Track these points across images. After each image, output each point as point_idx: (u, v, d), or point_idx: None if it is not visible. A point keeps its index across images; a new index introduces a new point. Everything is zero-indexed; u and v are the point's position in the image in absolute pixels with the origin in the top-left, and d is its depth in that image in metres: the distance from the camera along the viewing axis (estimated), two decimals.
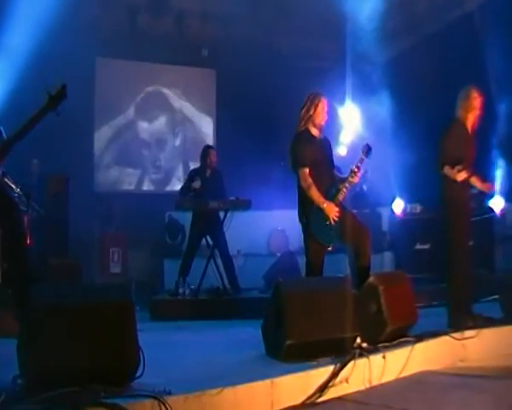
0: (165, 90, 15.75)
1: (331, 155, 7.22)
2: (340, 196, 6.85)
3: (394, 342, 6.06)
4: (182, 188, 10.95)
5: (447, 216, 7.20)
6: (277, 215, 12.98)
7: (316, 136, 7.02)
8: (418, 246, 11.21)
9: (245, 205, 10.06)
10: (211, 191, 10.41)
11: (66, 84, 5.14)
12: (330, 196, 6.83)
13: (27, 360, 4.28)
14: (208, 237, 10.50)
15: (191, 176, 10.84)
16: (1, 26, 11.71)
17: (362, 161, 6.87)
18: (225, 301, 9.96)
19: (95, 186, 14.85)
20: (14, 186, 9.13)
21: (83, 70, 13.85)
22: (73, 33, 13.11)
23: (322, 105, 7.01)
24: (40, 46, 12.31)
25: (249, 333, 6.84)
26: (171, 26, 15.26)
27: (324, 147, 7.12)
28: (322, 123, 7.04)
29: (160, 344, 6.52)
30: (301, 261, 8.26)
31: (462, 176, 6.97)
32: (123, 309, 4.59)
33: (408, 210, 11.72)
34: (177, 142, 15.89)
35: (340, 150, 14.05)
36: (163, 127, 15.81)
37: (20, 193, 9.23)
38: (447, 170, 7.03)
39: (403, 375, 5.90)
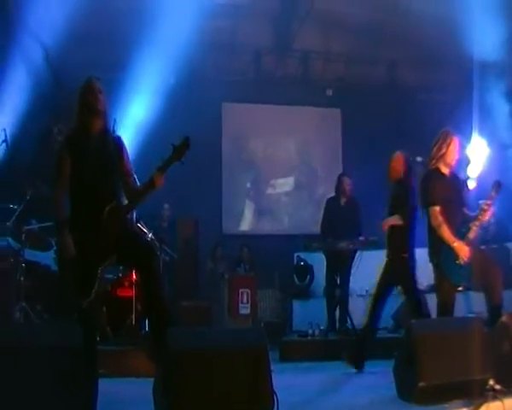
0: (292, 131, 15.85)
1: (462, 193, 7.12)
2: (471, 235, 6.72)
3: None
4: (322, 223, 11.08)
5: None
6: None
7: (446, 174, 6.94)
8: None
9: (374, 244, 10.00)
10: (345, 222, 10.48)
11: (189, 136, 5.37)
12: (461, 234, 6.71)
13: (164, 403, 4.39)
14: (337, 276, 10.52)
15: (327, 206, 11.00)
16: (135, 75, 12.24)
17: (492, 198, 6.74)
18: (355, 341, 9.87)
19: (223, 228, 15.08)
20: (146, 231, 9.47)
21: (209, 116, 14.26)
22: (199, 81, 13.54)
23: (455, 144, 6.95)
24: (168, 94, 12.76)
25: (379, 374, 6.78)
26: (296, 67, 15.46)
27: (455, 185, 7.02)
28: (454, 162, 6.97)
29: (291, 386, 6.53)
30: (430, 300, 8.12)
31: None
32: (258, 354, 4.68)
33: None
34: (304, 181, 15.93)
35: (468, 184, 13.78)
36: (290, 173, 15.89)
37: (153, 238, 9.54)
38: None
39: None
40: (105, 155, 5.47)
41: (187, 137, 5.39)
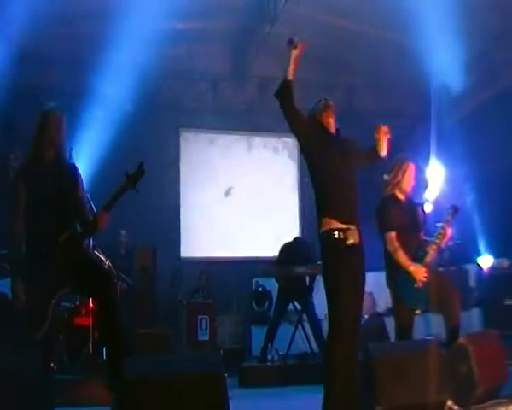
0: (251, 158, 15.88)
1: (418, 217, 7.17)
2: (428, 259, 6.77)
3: (486, 404, 5.87)
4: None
5: None
6: None
7: (402, 200, 7.01)
8: (507, 302, 10.94)
9: None
10: (302, 251, 10.50)
11: (144, 162, 5.28)
12: (417, 258, 6.77)
13: None
14: (296, 302, 10.50)
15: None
16: (92, 101, 12.19)
17: (448, 222, 6.81)
18: (314, 366, 9.85)
19: (181, 255, 15.01)
20: (104, 258, 9.40)
21: (168, 143, 14.31)
22: (157, 108, 13.56)
23: (410, 171, 7.04)
24: (126, 120, 12.73)
25: None
26: (254, 93, 15.47)
27: (411, 210, 7.08)
28: (409, 189, 7.04)
29: None
30: (388, 323, 8.15)
31: None
32: (214, 380, 4.62)
33: (495, 265, 11.53)
34: (263, 207, 15.89)
35: (425, 208, 13.87)
36: (248, 197, 15.84)
37: (110, 265, 9.47)
38: None
39: None
40: (58, 183, 5.41)
41: (141, 163, 5.30)
